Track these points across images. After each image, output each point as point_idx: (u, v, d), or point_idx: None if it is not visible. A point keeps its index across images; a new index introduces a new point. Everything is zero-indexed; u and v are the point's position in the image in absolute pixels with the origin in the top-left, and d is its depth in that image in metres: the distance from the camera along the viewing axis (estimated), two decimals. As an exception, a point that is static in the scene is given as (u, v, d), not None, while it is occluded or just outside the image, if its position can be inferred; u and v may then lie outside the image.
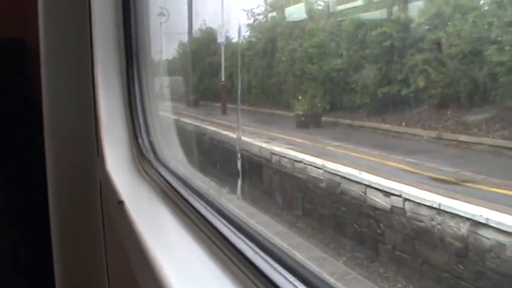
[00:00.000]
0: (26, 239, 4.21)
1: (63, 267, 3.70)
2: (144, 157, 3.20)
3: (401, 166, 7.74)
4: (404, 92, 10.03)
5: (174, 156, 3.65)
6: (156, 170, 2.97)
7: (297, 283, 1.49)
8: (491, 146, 7.97)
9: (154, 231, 2.24)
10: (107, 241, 3.32)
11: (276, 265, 1.58)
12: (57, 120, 3.50)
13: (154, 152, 3.25)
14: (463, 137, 8.56)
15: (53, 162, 3.56)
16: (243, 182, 10.04)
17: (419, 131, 9.48)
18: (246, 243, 1.78)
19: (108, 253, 3.29)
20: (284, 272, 1.55)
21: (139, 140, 3.29)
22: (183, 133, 8.36)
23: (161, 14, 7.63)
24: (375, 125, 10.46)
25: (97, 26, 3.29)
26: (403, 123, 10.00)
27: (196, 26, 14.95)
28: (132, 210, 2.42)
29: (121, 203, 2.53)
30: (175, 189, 2.53)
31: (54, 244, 3.67)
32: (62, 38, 3.41)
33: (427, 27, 9.98)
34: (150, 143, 3.31)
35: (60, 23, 3.44)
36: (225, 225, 1.97)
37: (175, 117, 9.63)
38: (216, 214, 2.10)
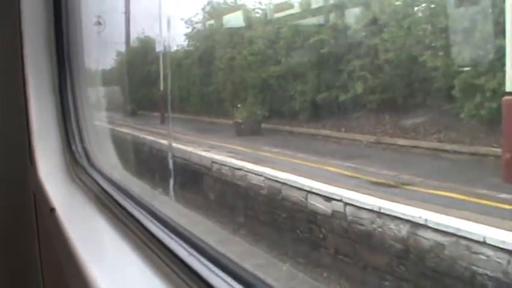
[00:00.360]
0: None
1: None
2: (77, 163, 3.11)
3: (341, 171, 7.79)
4: (342, 97, 10.14)
5: (108, 162, 3.57)
6: (90, 175, 2.88)
7: (233, 283, 1.46)
8: (428, 149, 8.12)
9: (87, 238, 2.15)
10: (41, 250, 3.21)
11: (211, 265, 1.56)
12: None
13: (88, 158, 3.16)
14: (401, 141, 8.70)
15: None
16: (180, 189, 9.96)
17: (358, 136, 9.59)
18: (180, 245, 1.74)
19: (43, 262, 3.18)
20: (219, 271, 1.52)
21: (73, 147, 3.20)
22: (119, 142, 8.22)
23: (98, 23, 7.50)
24: (313, 131, 10.54)
25: (27, 31, 3.19)
26: (342, 129, 10.10)
27: (134, 35, 14.85)
28: (64, 217, 2.33)
29: (52, 210, 2.43)
30: (109, 194, 2.45)
31: None
32: None
33: (363, 33, 10.12)
34: (84, 149, 3.22)
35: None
36: (160, 228, 1.92)
37: (112, 127, 9.49)
38: (149, 216, 2.05)
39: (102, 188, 2.58)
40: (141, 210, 2.11)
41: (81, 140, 3.29)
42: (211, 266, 1.54)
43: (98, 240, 2.23)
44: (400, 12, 9.27)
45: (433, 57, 8.00)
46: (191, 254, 1.63)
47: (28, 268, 3.38)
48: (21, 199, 3.32)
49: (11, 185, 3.39)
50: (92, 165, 3.12)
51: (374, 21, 9.63)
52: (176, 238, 1.78)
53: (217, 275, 1.49)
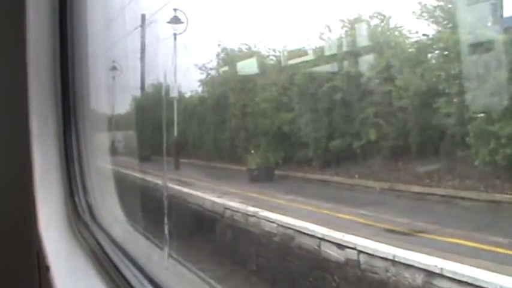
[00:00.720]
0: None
1: None
2: (80, 217, 3.02)
3: (354, 218, 7.70)
4: (356, 144, 10.11)
5: (112, 216, 3.47)
6: (90, 231, 2.79)
7: None
8: (442, 196, 8.03)
9: None
10: None
11: None
12: None
13: (91, 211, 3.08)
14: (414, 188, 8.62)
15: None
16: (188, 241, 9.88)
17: (371, 183, 9.52)
18: None
19: None
20: None
21: (76, 199, 3.12)
22: (129, 188, 8.19)
23: (113, 68, 7.55)
24: (327, 177, 10.48)
25: (33, 76, 3.15)
26: (356, 176, 10.03)
27: (148, 81, 14.96)
28: (59, 277, 2.24)
29: (48, 268, 2.34)
30: (108, 256, 2.36)
31: None
32: None
33: (377, 80, 10.14)
34: (87, 202, 3.13)
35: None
36: None
37: (125, 172, 9.47)
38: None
39: (102, 248, 2.49)
40: (140, 278, 2.04)
41: (85, 192, 3.21)
42: None
43: None
44: (413, 59, 9.29)
45: (447, 103, 7.97)
46: None
47: None
48: (24, 253, 3.23)
49: (15, 239, 3.32)
50: (94, 219, 3.03)
51: (387, 68, 9.65)
52: None
53: None
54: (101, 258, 2.46)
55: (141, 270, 2.12)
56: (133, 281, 1.99)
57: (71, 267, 2.70)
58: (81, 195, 3.17)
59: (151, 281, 2.01)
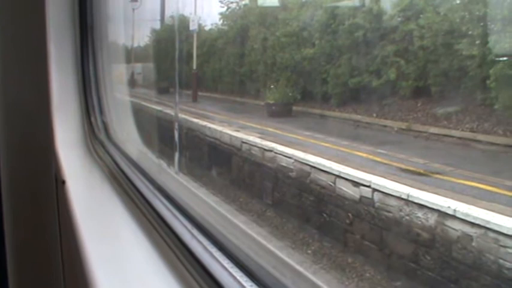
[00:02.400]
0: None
1: (15, 250, 3.59)
2: (96, 137, 3.09)
3: (371, 157, 7.75)
4: (375, 83, 10.07)
5: (128, 138, 3.52)
6: (106, 150, 2.85)
7: (236, 272, 1.41)
8: (460, 138, 8.04)
9: (94, 213, 2.11)
10: (60, 220, 3.19)
11: (214, 250, 1.51)
12: (9, 97, 3.38)
13: (106, 131, 3.13)
14: (432, 129, 8.62)
15: (5, 139, 3.44)
16: (216, 172, 10.00)
17: (389, 122, 9.52)
18: (185, 226, 1.70)
19: (62, 232, 3.17)
20: (221, 257, 1.47)
21: (92, 119, 3.17)
22: (146, 118, 8.26)
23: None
24: (345, 115, 10.48)
25: (51, 2, 3.19)
26: (374, 114, 10.03)
27: (168, 14, 14.85)
28: (74, 190, 2.29)
29: (64, 182, 2.41)
30: (123, 172, 2.41)
31: (5, 223, 3.55)
32: (15, 16, 3.30)
33: (399, 19, 10.02)
34: (103, 122, 3.19)
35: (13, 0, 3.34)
36: (169, 210, 1.87)
37: (143, 103, 9.54)
38: (161, 198, 2.01)
39: (117, 164, 2.54)
40: (153, 190, 2.08)
41: (101, 113, 3.26)
42: (214, 251, 1.51)
43: (105, 216, 2.17)
44: (437, -1, 9.16)
45: (469, 45, 7.89)
46: (194, 237, 1.60)
47: (47, 236, 3.39)
48: (41, 169, 3.33)
49: (33, 157, 3.41)
50: (110, 139, 3.09)
51: (410, 6, 9.53)
52: (185, 221, 1.74)
53: (218, 261, 1.44)
54: (115, 173, 2.50)
55: (153, 182, 2.17)
56: (146, 193, 2.04)
57: (87, 181, 2.79)
58: (97, 116, 3.23)
59: (162, 191, 2.06)
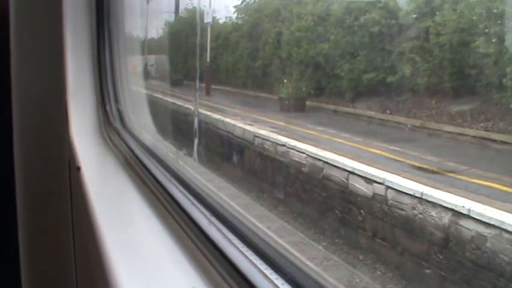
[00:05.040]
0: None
1: (28, 234, 3.62)
2: (110, 124, 3.10)
3: (384, 153, 7.72)
4: (389, 79, 10.01)
5: (142, 126, 3.53)
6: (121, 137, 2.86)
7: (255, 259, 1.40)
8: (474, 137, 7.98)
9: (108, 199, 2.17)
10: (73, 207, 3.22)
11: (232, 236, 1.50)
12: (25, 84, 3.42)
13: (121, 120, 3.14)
14: (447, 127, 8.57)
15: (20, 126, 3.48)
16: (214, 158, 9.99)
17: (403, 119, 9.47)
18: (202, 212, 1.69)
19: (74, 219, 3.20)
20: (239, 243, 1.46)
21: (107, 107, 3.19)
22: (159, 109, 8.25)
23: (148, -10, 7.51)
24: (359, 111, 10.44)
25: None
26: (387, 111, 9.99)
27: (182, 6, 14.82)
28: (89, 177, 2.29)
29: (79, 169, 2.41)
30: (138, 158, 2.41)
31: (19, 208, 3.59)
32: (32, 4, 3.34)
33: (415, 15, 9.95)
34: (119, 111, 3.20)
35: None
36: (186, 196, 1.87)
37: (155, 95, 9.53)
38: (177, 184, 2.00)
39: (133, 152, 2.55)
40: (170, 177, 2.07)
41: (116, 101, 3.27)
42: (231, 237, 1.51)
43: (120, 202, 2.20)
44: (454, -5, 9.08)
45: (486, 43, 7.82)
46: (212, 223, 1.60)
47: (59, 222, 3.41)
48: (56, 156, 3.35)
49: (48, 144, 3.43)
50: (125, 127, 3.10)
51: (427, 3, 9.46)
52: (201, 207, 1.74)
53: (237, 247, 1.44)
54: (131, 161, 2.51)
55: (170, 171, 2.17)
56: (163, 180, 2.04)
57: (101, 168, 2.82)
58: (112, 105, 3.25)
59: (178, 178, 2.06)
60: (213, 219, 1.63)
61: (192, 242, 1.58)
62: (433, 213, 5.58)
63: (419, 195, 5.82)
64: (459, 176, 6.50)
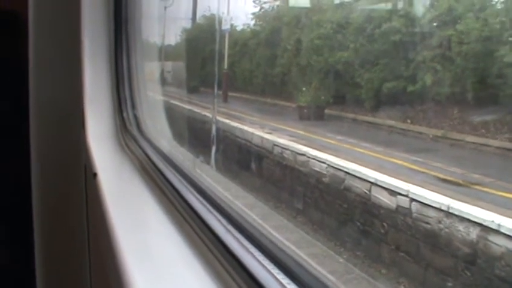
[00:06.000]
0: (4, 205, 4.15)
1: (43, 239, 3.64)
2: (127, 130, 3.11)
3: (406, 164, 7.60)
4: (410, 88, 9.90)
5: (159, 133, 3.54)
6: (138, 144, 2.86)
7: (273, 268, 1.36)
8: (498, 148, 7.85)
9: (125, 206, 2.17)
10: (89, 214, 3.23)
11: (249, 245, 1.49)
12: (43, 89, 3.46)
13: (138, 126, 3.17)
14: (469, 138, 8.43)
15: (37, 130, 3.52)
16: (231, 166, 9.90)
17: (424, 129, 9.35)
18: (219, 220, 1.68)
19: (90, 226, 3.21)
20: (258, 254, 1.43)
21: (124, 114, 3.22)
22: (176, 116, 8.20)
23: (165, -3, 7.46)
24: (379, 120, 10.33)
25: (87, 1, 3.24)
26: (408, 120, 9.86)
27: (200, 13, 14.81)
28: (106, 183, 2.30)
29: (95, 175, 2.40)
30: (155, 165, 2.41)
31: (35, 213, 3.62)
32: (51, 9, 3.37)
33: (436, 23, 9.83)
34: (135, 117, 3.23)
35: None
36: (202, 203, 1.86)
37: (172, 101, 9.48)
38: (194, 192, 1.99)
39: (150, 159, 2.55)
40: (187, 184, 2.06)
41: (133, 108, 3.30)
42: (249, 246, 1.48)
43: (137, 208, 2.19)
44: (477, 3, 8.95)
45: (510, 52, 7.70)
46: (228, 231, 1.58)
47: (75, 227, 3.43)
48: (72, 161, 3.38)
49: (64, 150, 3.46)
50: (142, 133, 3.11)
51: (449, 11, 9.34)
52: (218, 215, 1.72)
53: (254, 257, 1.41)
54: (148, 167, 2.49)
55: (187, 179, 2.16)
56: (180, 187, 2.03)
57: (118, 174, 2.80)
58: (129, 111, 3.30)
59: (195, 186, 2.04)
60: (230, 227, 1.63)
61: (208, 249, 1.58)
62: (460, 227, 5.45)
63: (445, 209, 5.70)
64: (485, 189, 6.36)
